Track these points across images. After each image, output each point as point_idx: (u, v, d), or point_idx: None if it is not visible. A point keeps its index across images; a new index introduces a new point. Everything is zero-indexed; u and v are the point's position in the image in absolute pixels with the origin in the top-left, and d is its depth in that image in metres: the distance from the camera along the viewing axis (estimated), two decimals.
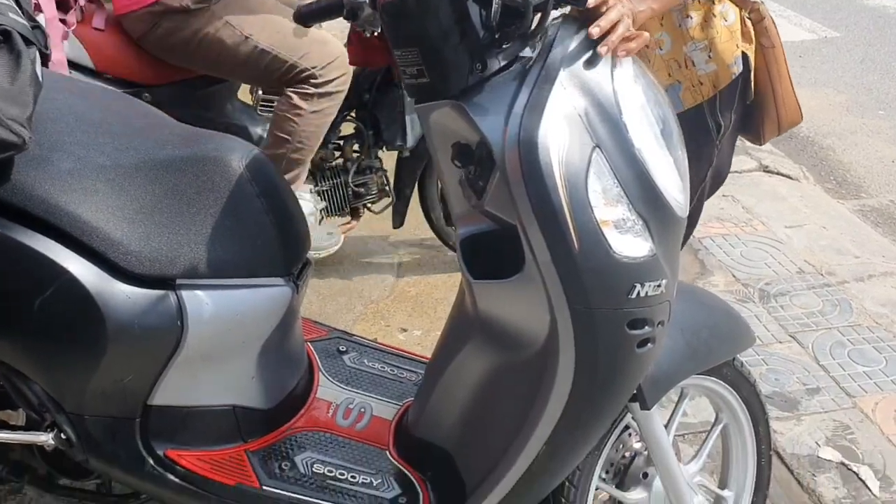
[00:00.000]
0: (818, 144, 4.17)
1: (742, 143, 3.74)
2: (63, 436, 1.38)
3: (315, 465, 1.46)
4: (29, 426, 1.44)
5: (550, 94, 1.10)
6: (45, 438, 1.37)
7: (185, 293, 1.32)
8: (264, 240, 1.37)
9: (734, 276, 2.85)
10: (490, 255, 1.23)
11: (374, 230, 3.05)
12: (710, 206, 3.34)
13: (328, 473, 1.45)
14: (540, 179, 1.08)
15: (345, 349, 1.73)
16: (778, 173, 3.66)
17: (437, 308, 2.59)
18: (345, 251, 2.89)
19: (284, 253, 1.39)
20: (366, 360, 1.71)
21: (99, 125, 1.39)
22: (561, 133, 1.09)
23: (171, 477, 1.39)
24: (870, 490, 1.96)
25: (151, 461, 1.39)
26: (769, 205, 3.36)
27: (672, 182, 1.20)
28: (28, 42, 1.23)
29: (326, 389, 1.61)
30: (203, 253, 1.32)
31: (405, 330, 2.49)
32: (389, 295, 2.68)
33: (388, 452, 1.51)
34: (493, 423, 1.34)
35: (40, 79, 1.28)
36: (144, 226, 1.30)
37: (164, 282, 1.31)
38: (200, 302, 1.33)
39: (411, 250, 2.94)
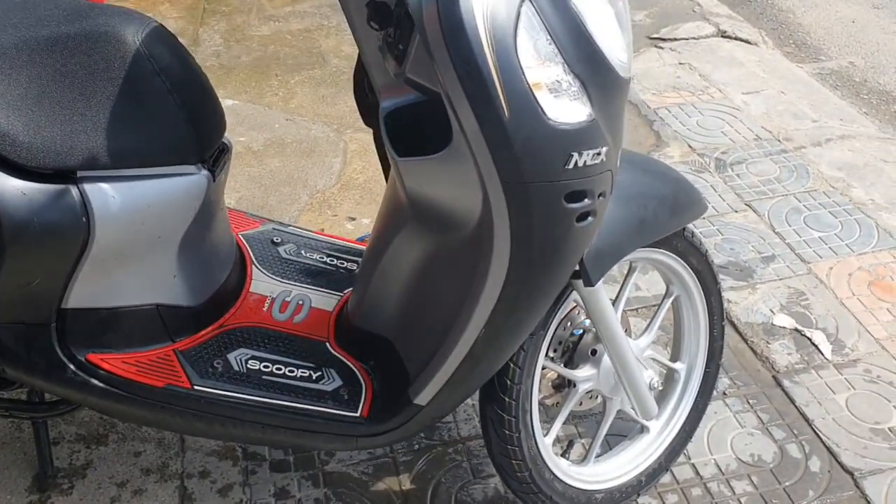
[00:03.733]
0: (777, 7, 4.03)
1: (700, 7, 3.59)
2: None
3: (250, 362, 1.39)
4: None
5: None
6: None
7: (87, 186, 1.21)
8: (170, 123, 1.24)
9: (690, 146, 2.77)
10: (416, 130, 1.13)
11: (317, 114, 2.91)
12: (665, 74, 3.24)
13: (264, 369, 1.38)
14: (462, 38, 0.95)
15: (279, 240, 1.64)
16: (736, 38, 3.53)
17: None
18: (286, 138, 2.76)
19: (194, 137, 1.27)
20: (302, 251, 1.62)
21: None
22: None
23: (95, 382, 1.31)
24: (822, 354, 1.95)
25: (72, 367, 1.31)
26: (726, 71, 3.25)
27: (613, 38, 1.09)
28: None
29: (260, 283, 1.53)
30: (103, 141, 1.20)
31: (353, 219, 2.39)
32: (336, 183, 2.56)
33: (327, 344, 1.44)
34: (432, 308, 1.27)
35: None
36: (32, 113, 1.17)
37: (63, 175, 1.20)
38: (106, 195, 1.22)
39: (358, 136, 2.80)
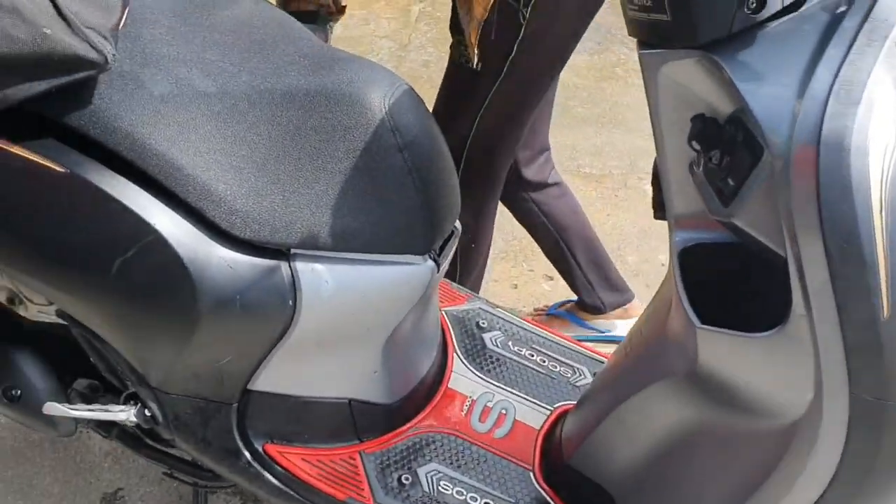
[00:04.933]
0: None
1: None
2: (147, 412, 1.15)
3: (442, 483, 1.17)
4: (110, 390, 1.23)
5: (876, 63, 0.69)
6: (126, 416, 1.15)
7: (299, 265, 1.03)
8: (404, 207, 1.04)
9: None
10: (718, 280, 0.86)
11: None
12: None
13: (457, 496, 1.16)
14: (846, 204, 0.68)
15: (486, 325, 1.42)
16: None
17: None
18: None
19: (428, 225, 1.06)
20: (510, 344, 1.39)
21: (207, 34, 1.08)
22: (888, 128, 0.69)
23: (269, 477, 1.15)
24: None
25: (248, 455, 1.14)
26: None
27: None
28: None
29: (461, 379, 1.31)
30: (326, 219, 1.01)
31: (551, 279, 2.15)
32: None
33: (532, 475, 1.21)
34: (687, 486, 1.00)
35: None
36: (254, 178, 0.99)
37: (275, 250, 1.02)
38: (318, 278, 1.03)
39: (565, 177, 2.55)
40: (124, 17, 0.95)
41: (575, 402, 1.28)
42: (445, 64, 1.62)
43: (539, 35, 1.43)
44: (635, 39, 0.84)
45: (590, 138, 2.80)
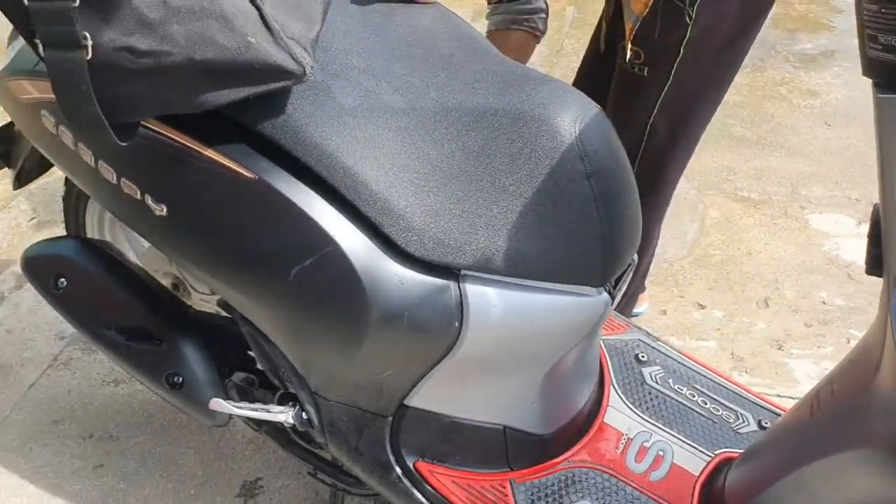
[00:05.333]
0: None
1: None
2: (304, 415, 1.16)
3: None
4: (264, 385, 1.25)
5: None
6: (285, 417, 1.16)
7: (469, 287, 1.00)
8: (585, 236, 0.99)
9: None
10: None
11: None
12: None
13: None
14: None
15: (645, 358, 1.36)
16: None
17: (746, 286, 2.11)
18: None
19: (607, 257, 1.01)
20: (671, 381, 1.33)
21: (395, 46, 1.07)
22: None
23: (419, 495, 1.13)
24: None
25: (399, 470, 1.13)
26: None
27: None
28: None
29: (617, 413, 1.26)
30: (502, 243, 0.98)
31: (702, 307, 2.05)
32: (688, 255, 2.23)
33: None
34: None
35: None
36: (434, 197, 0.98)
37: (446, 270, 1.00)
38: (487, 302, 1.01)
39: (719, 201, 2.44)
40: (322, 25, 0.95)
41: (738, 451, 1.21)
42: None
43: (708, 36, 1.35)
44: (870, 80, 0.77)
45: (749, 160, 2.65)
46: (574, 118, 0.97)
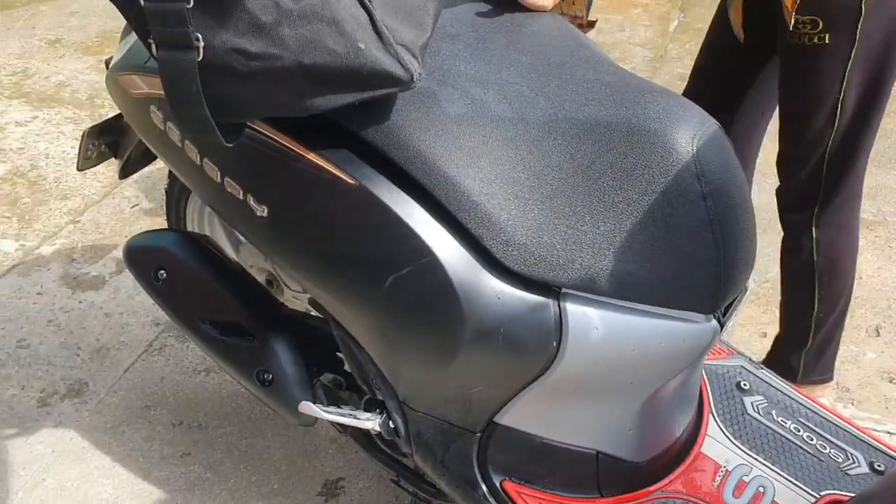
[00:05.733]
0: None
1: None
2: (391, 424, 1.14)
3: None
4: (351, 387, 1.24)
5: None
6: (372, 424, 1.15)
7: (569, 306, 0.96)
8: (697, 261, 0.94)
9: None
10: None
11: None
12: None
13: None
14: None
15: (747, 387, 1.28)
16: None
17: (855, 312, 1.99)
18: None
19: (720, 283, 0.96)
20: (774, 412, 1.25)
21: (504, 52, 1.03)
22: None
23: None
24: None
25: (484, 488, 1.11)
26: None
27: None
28: None
29: (715, 444, 1.20)
30: (608, 262, 0.94)
31: (764, 335, 1.94)
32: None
33: None
34: None
35: None
36: (538, 211, 0.94)
37: (546, 287, 0.96)
38: (587, 323, 0.96)
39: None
40: (432, 32, 0.92)
41: (848, 494, 1.13)
42: None
43: None
44: None
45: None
46: (691, 135, 0.92)
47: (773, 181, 1.50)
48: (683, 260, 0.94)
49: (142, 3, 0.80)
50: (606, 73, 1.01)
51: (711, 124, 0.94)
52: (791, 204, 1.48)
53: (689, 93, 1.59)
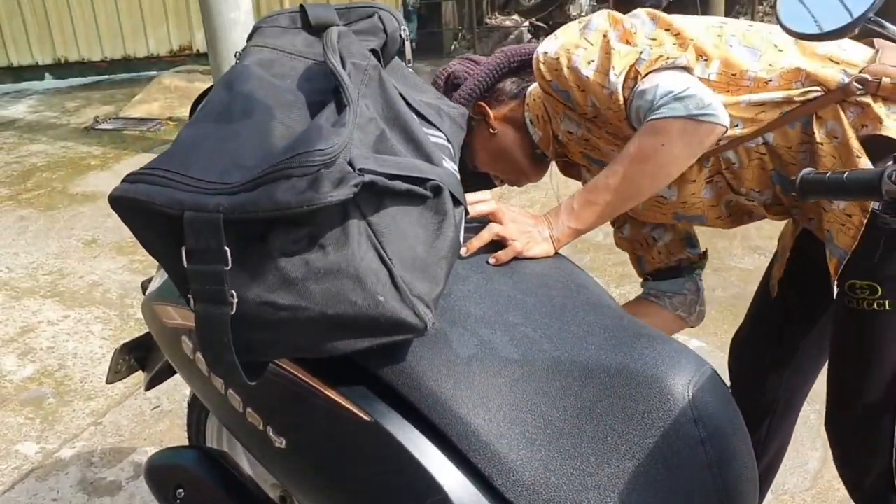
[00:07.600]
0: None
1: None
2: None
3: None
4: None
5: None
6: None
7: None
8: (701, 503, 0.97)
9: None
10: None
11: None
12: None
13: None
14: None
15: None
16: None
17: None
18: None
19: None
20: None
21: (510, 292, 1.12)
22: None
23: None
24: None
25: None
26: None
27: None
28: (456, 201, 1.00)
29: None
30: (614, 503, 0.97)
31: None
32: (810, 488, 2.09)
33: None
34: None
35: (461, 245, 1.04)
36: (546, 451, 0.98)
37: None
38: None
39: None
40: (445, 286, 1.01)
41: None
42: (709, 283, 1.56)
43: None
44: None
45: None
46: (687, 381, 0.97)
47: None
48: (687, 502, 0.96)
49: (185, 265, 0.89)
50: (606, 317, 1.08)
51: (707, 369, 1.00)
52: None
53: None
